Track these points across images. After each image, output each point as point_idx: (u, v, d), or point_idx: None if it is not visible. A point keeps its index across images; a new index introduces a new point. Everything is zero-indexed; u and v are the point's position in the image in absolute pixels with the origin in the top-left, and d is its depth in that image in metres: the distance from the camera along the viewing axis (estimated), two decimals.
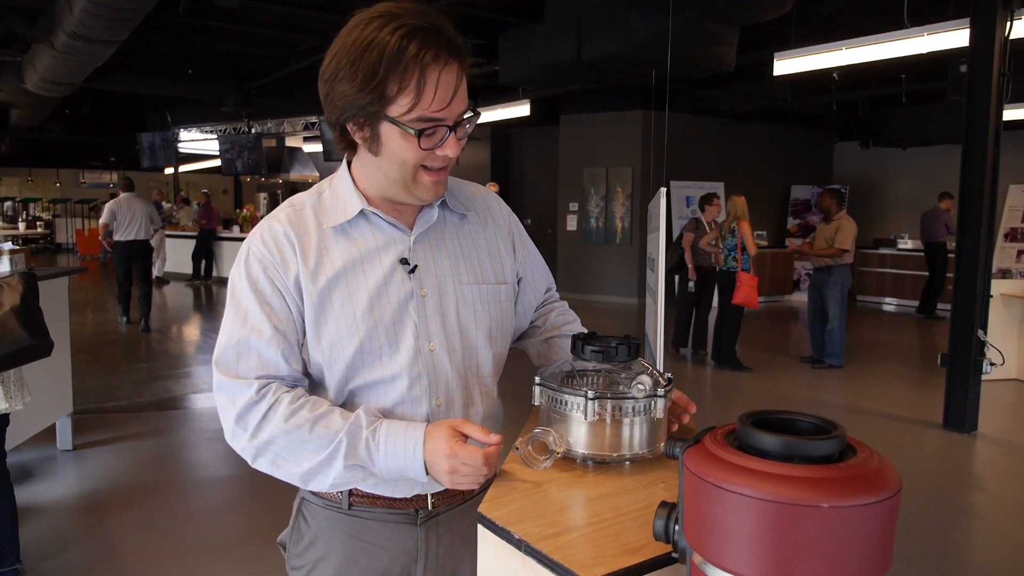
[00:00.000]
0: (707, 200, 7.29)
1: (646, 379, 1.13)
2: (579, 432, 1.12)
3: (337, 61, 1.08)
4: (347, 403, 1.20)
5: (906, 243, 12.40)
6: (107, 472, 4.28)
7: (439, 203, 1.24)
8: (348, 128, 1.13)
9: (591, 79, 8.92)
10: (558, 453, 1.12)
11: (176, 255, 14.61)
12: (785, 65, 6.80)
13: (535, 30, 7.70)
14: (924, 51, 5.74)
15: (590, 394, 1.10)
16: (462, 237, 1.28)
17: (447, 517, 1.28)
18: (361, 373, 1.16)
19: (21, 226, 19.43)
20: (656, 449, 1.16)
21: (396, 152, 1.11)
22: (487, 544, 0.96)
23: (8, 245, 4.42)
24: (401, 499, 1.22)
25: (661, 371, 1.22)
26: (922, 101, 11.27)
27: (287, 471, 1.11)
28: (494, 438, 1.07)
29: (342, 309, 1.15)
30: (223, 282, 14.35)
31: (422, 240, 1.23)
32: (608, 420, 1.12)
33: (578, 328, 1.43)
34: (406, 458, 1.08)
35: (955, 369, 5.16)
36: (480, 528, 0.97)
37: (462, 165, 14.57)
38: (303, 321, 1.16)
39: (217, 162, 14.76)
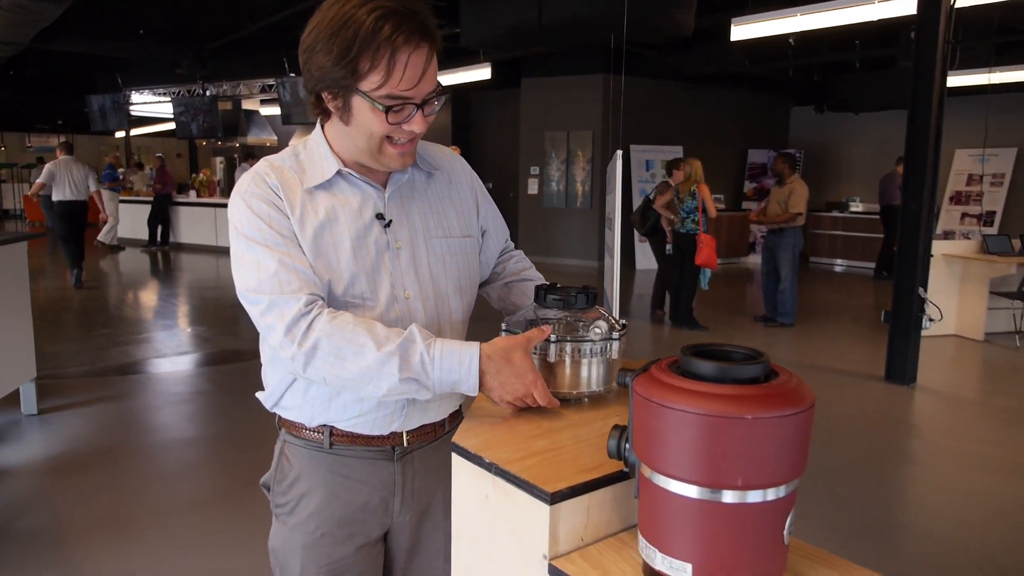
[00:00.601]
0: (675, 165, 7.41)
1: (603, 324, 1.24)
2: (543, 372, 1.24)
3: (316, 33, 1.16)
4: None
5: (858, 206, 12.77)
6: (73, 435, 4.30)
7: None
8: (323, 97, 1.22)
9: (552, 42, 8.94)
10: None
11: (130, 221, 14.33)
12: (742, 30, 6.93)
13: None
14: (875, 18, 5.91)
15: (552, 338, 1.21)
16: (430, 194, 1.38)
17: (421, 453, 1.39)
18: None
19: None
20: (611, 387, 1.28)
21: (365, 124, 1.19)
22: (461, 470, 1.07)
23: None
24: (379, 437, 1.32)
25: (617, 318, 1.33)
26: (875, 67, 11.52)
27: (339, 375, 1.15)
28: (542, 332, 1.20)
29: (327, 257, 1.23)
30: (181, 248, 14.15)
31: (395, 197, 1.32)
32: (568, 361, 1.23)
33: (535, 275, 1.54)
34: (461, 373, 1.15)
35: (897, 325, 5.43)
36: (454, 456, 1.08)
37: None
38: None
39: (171, 125, 14.43)
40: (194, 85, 13.27)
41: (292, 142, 1.38)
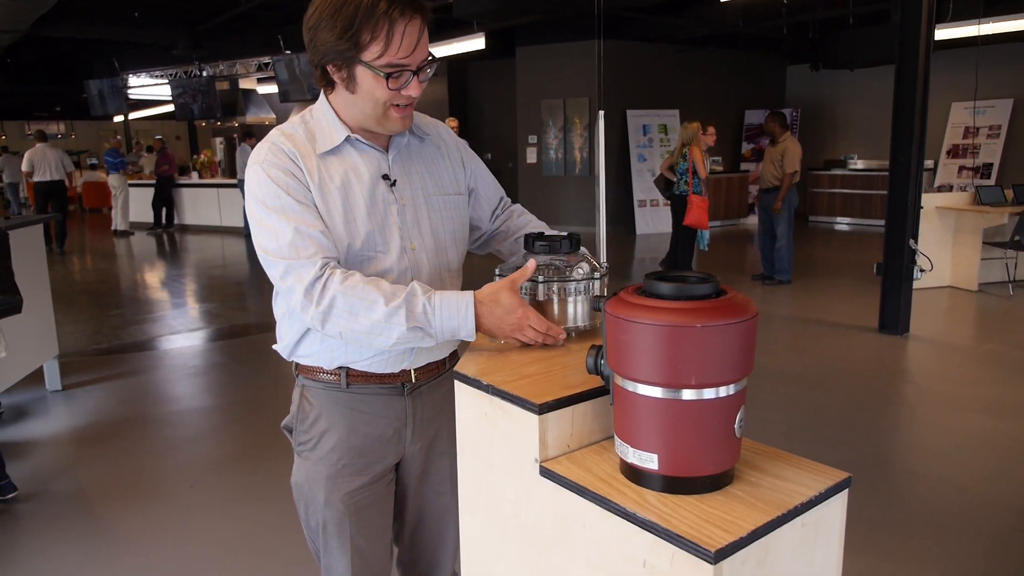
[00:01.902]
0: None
1: (585, 265, 1.39)
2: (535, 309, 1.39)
3: (319, 12, 1.31)
4: None
5: (856, 164, 12.81)
6: (97, 408, 4.49)
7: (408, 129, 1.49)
8: (328, 69, 1.36)
9: (544, 10, 8.97)
10: None
11: (136, 205, 14.45)
12: None
13: None
14: None
15: (540, 278, 1.36)
16: (425, 157, 1.53)
17: (427, 388, 1.56)
18: (361, 270, 1.39)
19: None
20: (594, 323, 1.43)
21: (369, 91, 1.35)
22: (463, 394, 1.23)
23: None
24: (390, 375, 1.48)
25: (599, 262, 1.48)
26: (868, 23, 11.50)
27: (353, 328, 1.29)
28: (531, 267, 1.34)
29: (346, 215, 1.38)
30: (186, 229, 14.30)
31: (397, 159, 1.48)
32: (555, 299, 1.38)
33: (536, 224, 1.70)
34: (459, 319, 1.29)
35: (889, 277, 5.56)
36: (457, 383, 1.23)
37: (422, 102, 14.38)
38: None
39: (170, 108, 14.49)
40: (190, 66, 13.32)
41: (293, 116, 1.52)
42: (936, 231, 7.01)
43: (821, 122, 14.23)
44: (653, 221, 12.24)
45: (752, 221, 12.82)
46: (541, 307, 1.38)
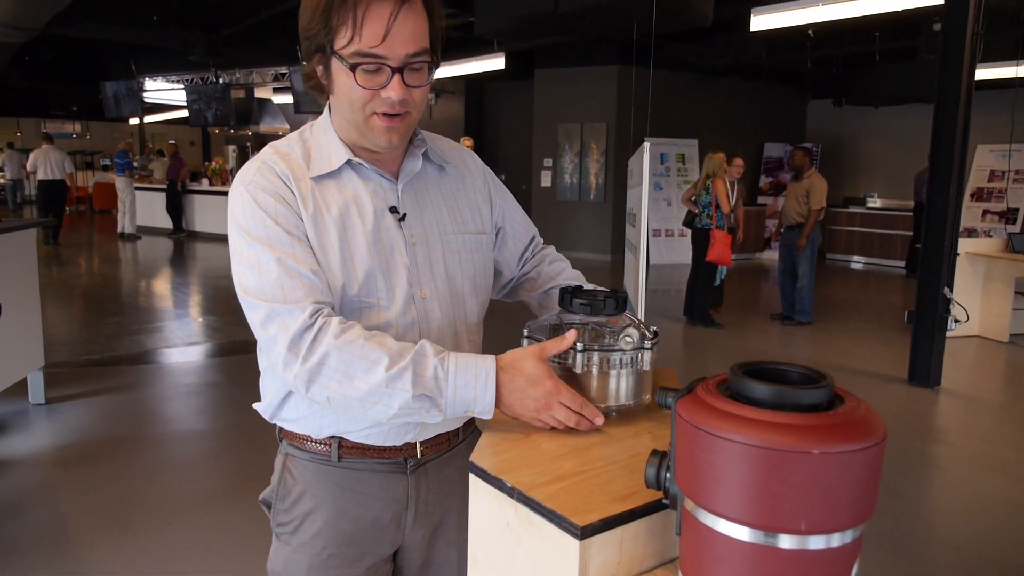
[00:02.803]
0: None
1: (633, 332, 1.15)
2: (568, 384, 1.14)
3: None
4: None
5: (876, 202, 12.58)
6: (80, 425, 4.25)
7: (422, 153, 1.25)
8: (312, 64, 1.15)
9: (568, 31, 8.81)
10: None
11: (145, 209, 14.29)
12: (763, 20, 6.79)
13: None
14: (900, 8, 5.75)
15: (578, 346, 1.11)
16: (443, 188, 1.29)
17: (435, 465, 1.29)
18: (356, 320, 1.15)
19: None
20: (642, 401, 1.18)
21: (344, 90, 1.12)
22: (479, 493, 0.98)
23: None
24: (391, 448, 1.23)
25: (646, 324, 1.24)
26: (895, 59, 11.31)
27: (346, 394, 1.05)
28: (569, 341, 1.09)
29: (342, 253, 1.14)
30: (195, 236, 14.13)
31: (408, 189, 1.24)
32: (596, 372, 1.14)
33: (571, 274, 1.44)
34: (477, 389, 1.05)
35: (921, 326, 5.29)
36: (472, 477, 0.99)
37: (435, 119, 14.38)
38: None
39: (184, 113, 14.39)
40: (207, 73, 13.22)
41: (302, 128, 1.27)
42: (966, 277, 6.74)
43: (841, 158, 14.02)
44: (667, 251, 12.00)
45: (768, 256, 12.57)
46: (578, 381, 1.14)
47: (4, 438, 4.01)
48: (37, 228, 4.16)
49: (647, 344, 1.15)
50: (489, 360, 1.08)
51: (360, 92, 1.10)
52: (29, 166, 11.99)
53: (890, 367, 5.81)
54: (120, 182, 13.30)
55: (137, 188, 13.51)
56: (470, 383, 1.06)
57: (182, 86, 13.74)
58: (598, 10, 6.99)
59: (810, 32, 8.29)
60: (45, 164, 11.72)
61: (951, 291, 5.20)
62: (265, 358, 1.22)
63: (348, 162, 1.18)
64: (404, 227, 1.20)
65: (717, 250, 6.86)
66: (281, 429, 1.28)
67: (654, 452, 0.86)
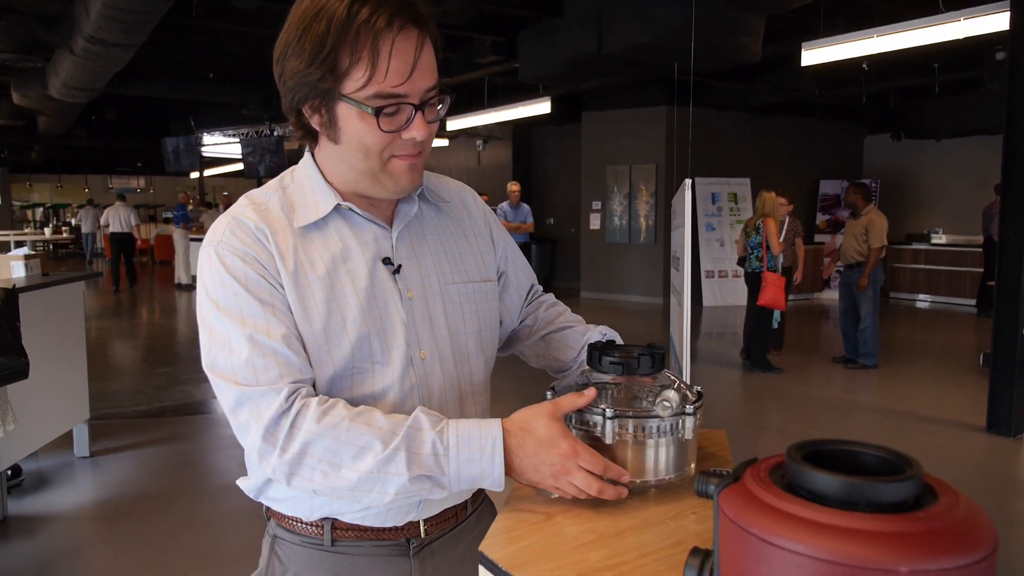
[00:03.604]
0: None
1: (672, 394, 0.99)
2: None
3: (287, 36, 0.96)
4: None
5: (941, 238, 12.07)
6: (123, 479, 4.21)
7: (417, 194, 1.12)
8: (303, 112, 1.01)
9: (613, 73, 8.77)
10: None
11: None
12: (814, 55, 6.59)
13: (555, 24, 7.56)
14: (961, 36, 5.50)
15: (609, 412, 0.96)
16: (441, 232, 1.16)
17: (441, 544, 1.14)
18: (348, 388, 1.03)
19: (47, 231, 19.77)
20: (684, 474, 1.02)
21: (356, 137, 0.98)
22: None
23: (23, 250, 4.39)
24: (392, 528, 1.09)
25: (689, 383, 1.08)
26: (956, 91, 10.94)
27: (333, 486, 0.92)
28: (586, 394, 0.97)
29: (330, 317, 1.01)
30: None
31: (403, 236, 1.10)
32: (630, 441, 0.98)
33: (572, 319, 1.30)
34: (483, 463, 0.92)
35: (999, 369, 4.93)
36: (482, 570, 0.84)
37: (483, 166, 14.46)
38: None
39: (240, 166, 14.79)
40: (261, 126, 13.59)
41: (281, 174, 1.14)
42: None
43: (902, 194, 13.55)
44: (721, 293, 11.70)
45: (828, 296, 12.15)
46: (609, 452, 0.98)
47: (44, 493, 3.99)
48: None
49: (689, 408, 0.99)
50: (495, 427, 0.94)
51: (379, 137, 0.97)
52: (103, 220, 13.83)
53: (966, 414, 5.42)
54: (177, 233, 13.70)
55: (192, 239, 13.86)
56: (475, 456, 0.92)
57: (237, 140, 14.15)
58: (642, 51, 6.91)
59: (864, 65, 8.06)
60: (116, 218, 13.20)
61: None
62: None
63: (336, 208, 1.05)
64: (399, 280, 1.07)
65: (769, 293, 6.59)
66: (268, 508, 1.14)
67: (695, 551, 0.70)
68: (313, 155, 1.09)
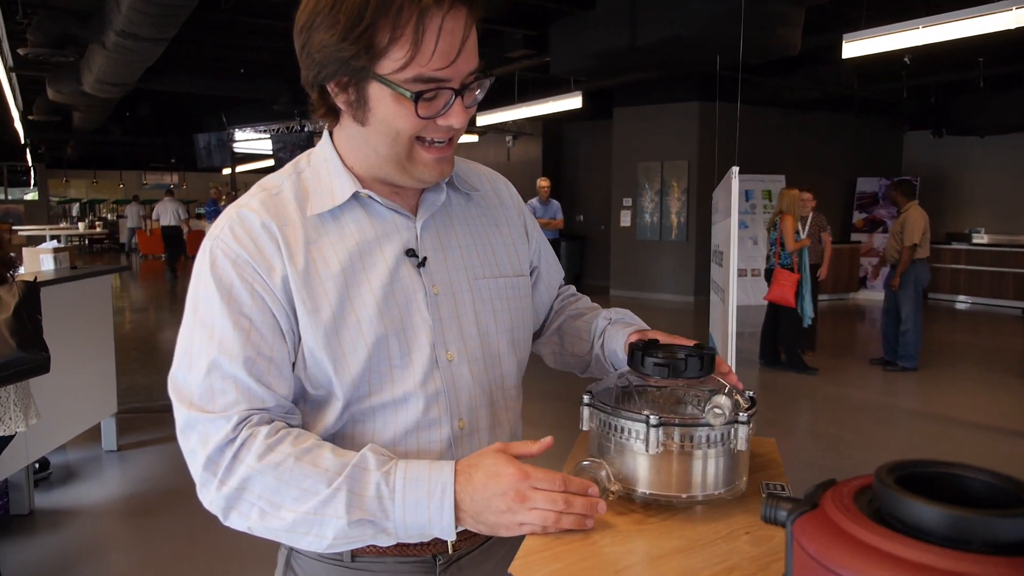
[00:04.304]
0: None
1: (723, 400, 0.89)
2: (639, 466, 0.89)
3: (315, 4, 0.86)
4: (347, 433, 0.97)
5: (983, 237, 11.74)
6: (151, 474, 4.20)
7: (446, 181, 1.03)
8: (329, 89, 0.91)
9: (646, 67, 8.61)
10: (612, 494, 0.89)
11: None
12: (855, 47, 6.38)
13: (587, 17, 7.44)
14: (1012, 27, 5.28)
15: (653, 419, 0.87)
16: (471, 222, 1.06)
17: (469, 560, 1.05)
18: (367, 395, 0.94)
19: (81, 226, 20.15)
20: (736, 488, 0.92)
21: (388, 120, 0.89)
22: None
23: (53, 244, 4.39)
24: (418, 544, 1.00)
25: (742, 391, 0.98)
26: (1002, 86, 10.61)
27: (268, 526, 0.85)
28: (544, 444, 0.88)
29: (344, 317, 0.92)
30: None
31: (429, 227, 1.01)
32: (676, 452, 0.89)
33: (587, 305, 1.22)
34: (431, 509, 0.84)
35: None
36: None
37: (513, 161, 14.36)
38: (296, 334, 0.92)
39: (271, 161, 14.89)
40: (292, 121, 13.64)
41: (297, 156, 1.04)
42: None
43: (943, 192, 13.19)
44: (753, 291, 11.46)
45: (864, 296, 11.88)
46: (653, 464, 0.89)
47: (71, 487, 3.99)
48: (112, 275, 4.18)
49: (743, 416, 0.89)
50: (447, 470, 0.85)
51: (413, 122, 0.88)
52: (153, 215, 14.87)
53: (1013, 420, 5.21)
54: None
55: None
56: (422, 502, 0.83)
57: (268, 135, 14.23)
58: (677, 43, 6.76)
59: (906, 59, 7.81)
60: (165, 213, 14.07)
61: None
62: None
63: (355, 195, 0.96)
64: (424, 274, 0.98)
65: (776, 290, 6.49)
66: None
67: None
68: (331, 135, 1.00)
